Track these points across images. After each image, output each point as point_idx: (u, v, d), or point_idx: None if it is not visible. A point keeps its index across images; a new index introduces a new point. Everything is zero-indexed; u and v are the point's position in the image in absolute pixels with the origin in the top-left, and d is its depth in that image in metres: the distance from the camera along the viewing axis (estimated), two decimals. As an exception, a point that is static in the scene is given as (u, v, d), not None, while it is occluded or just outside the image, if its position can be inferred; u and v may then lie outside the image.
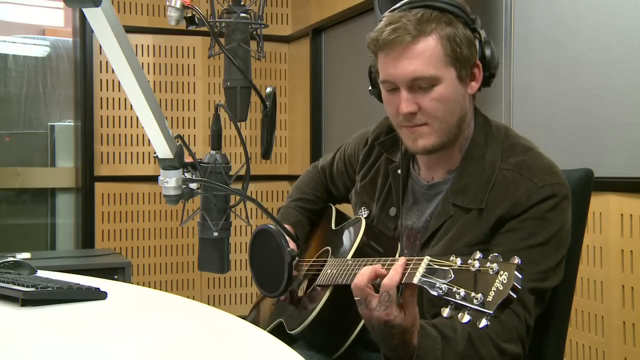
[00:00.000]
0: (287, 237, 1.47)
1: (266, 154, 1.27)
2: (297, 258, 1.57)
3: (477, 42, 1.39)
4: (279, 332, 1.50)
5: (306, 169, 1.91)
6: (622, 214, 2.10)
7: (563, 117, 2.33)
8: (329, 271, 1.47)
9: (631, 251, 2.07)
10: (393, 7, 1.40)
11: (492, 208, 1.35)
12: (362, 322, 1.40)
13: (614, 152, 2.14)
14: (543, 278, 1.33)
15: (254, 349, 1.10)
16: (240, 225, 4.10)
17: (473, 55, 1.38)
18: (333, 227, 1.69)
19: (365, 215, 1.57)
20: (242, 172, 1.22)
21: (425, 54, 1.34)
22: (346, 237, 1.56)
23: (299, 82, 4.22)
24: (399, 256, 1.43)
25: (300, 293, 1.58)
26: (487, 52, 1.40)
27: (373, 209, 1.56)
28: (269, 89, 1.27)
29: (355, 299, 1.22)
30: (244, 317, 1.36)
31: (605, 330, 2.16)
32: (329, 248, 1.60)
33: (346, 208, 1.77)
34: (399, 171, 1.52)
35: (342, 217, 1.71)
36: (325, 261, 1.54)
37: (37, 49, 4.38)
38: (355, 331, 1.40)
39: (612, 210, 2.13)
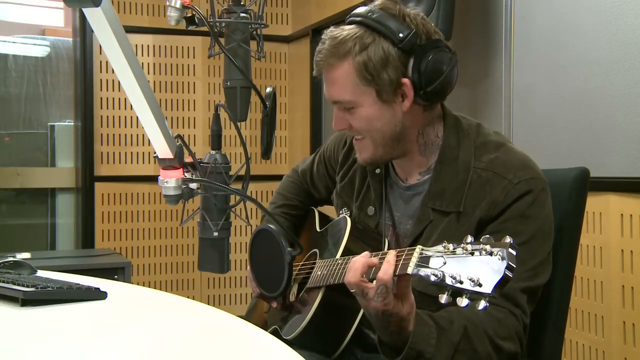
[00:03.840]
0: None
1: (266, 154, 1.26)
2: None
3: (411, 60, 1.34)
4: None
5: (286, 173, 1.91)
6: (622, 214, 2.10)
7: (563, 117, 2.33)
8: (319, 273, 1.47)
9: (631, 251, 2.07)
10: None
11: (471, 210, 1.35)
12: (357, 321, 1.40)
13: (614, 152, 2.14)
14: (533, 275, 1.33)
15: (254, 349, 1.11)
16: (240, 225, 4.10)
17: (395, 78, 1.35)
18: (318, 229, 1.69)
19: (348, 215, 1.58)
20: (242, 172, 1.22)
21: (339, 81, 1.38)
22: (333, 237, 1.56)
23: (299, 82, 4.22)
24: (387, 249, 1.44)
25: (292, 298, 1.58)
26: (422, 69, 1.34)
27: (353, 209, 1.57)
28: (269, 89, 1.26)
29: (351, 291, 1.22)
30: (243, 317, 1.36)
31: (605, 330, 2.16)
32: (316, 250, 1.60)
33: (328, 210, 1.76)
34: (377, 170, 1.52)
35: (325, 219, 1.71)
36: (314, 264, 1.54)
37: (37, 49, 4.38)
38: (351, 331, 1.40)
39: (612, 210, 2.13)
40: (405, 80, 1.35)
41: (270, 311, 1.65)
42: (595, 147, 2.20)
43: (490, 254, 1.02)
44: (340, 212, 1.60)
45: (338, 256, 1.44)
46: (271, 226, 1.50)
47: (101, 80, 3.97)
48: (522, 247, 1.31)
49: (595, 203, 2.14)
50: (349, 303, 1.36)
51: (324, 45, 1.39)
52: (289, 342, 1.46)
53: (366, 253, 1.24)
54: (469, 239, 1.06)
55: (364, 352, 1.50)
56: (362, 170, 1.57)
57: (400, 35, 1.33)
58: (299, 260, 1.66)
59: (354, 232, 1.49)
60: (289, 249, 1.45)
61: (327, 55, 1.38)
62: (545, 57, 2.41)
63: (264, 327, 1.64)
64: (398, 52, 1.34)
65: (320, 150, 1.77)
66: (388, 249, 1.47)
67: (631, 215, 2.07)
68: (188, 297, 1.50)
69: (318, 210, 1.77)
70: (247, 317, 1.83)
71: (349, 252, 1.44)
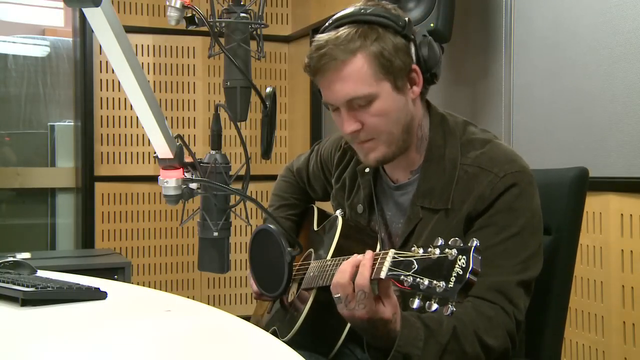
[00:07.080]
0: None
1: (266, 154, 1.27)
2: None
3: (412, 47, 1.37)
4: None
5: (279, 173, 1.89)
6: (622, 214, 2.10)
7: (563, 117, 2.33)
8: (311, 274, 1.47)
9: (631, 251, 2.07)
10: (323, 27, 1.40)
11: (459, 206, 1.36)
12: None
13: (614, 152, 2.14)
14: (525, 268, 1.32)
15: (254, 349, 1.11)
16: (240, 225, 4.10)
17: (407, 63, 1.36)
18: (315, 228, 1.69)
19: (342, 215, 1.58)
20: (242, 172, 1.22)
21: (354, 75, 1.34)
22: (326, 237, 1.56)
23: (299, 82, 4.22)
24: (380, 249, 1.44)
25: (290, 298, 1.58)
26: (424, 52, 1.37)
27: (345, 208, 1.58)
28: (269, 89, 1.26)
29: (335, 296, 1.22)
30: (244, 317, 1.36)
31: (605, 330, 2.16)
32: (311, 250, 1.60)
33: (328, 206, 1.76)
34: (367, 170, 1.52)
35: (323, 217, 1.71)
36: (309, 264, 1.54)
37: (37, 49, 4.38)
38: (344, 331, 1.40)
39: (612, 210, 2.13)
40: (415, 66, 1.37)
41: (272, 311, 1.65)
42: (595, 147, 2.20)
43: (456, 258, 1.02)
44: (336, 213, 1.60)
45: (329, 257, 1.44)
46: (271, 226, 1.50)
47: (101, 80, 3.97)
48: (512, 239, 1.32)
49: (595, 203, 2.14)
50: None
51: (324, 49, 1.34)
52: (286, 343, 1.46)
53: (355, 256, 1.23)
54: (439, 241, 1.07)
55: (364, 352, 1.50)
56: (352, 170, 1.57)
57: (400, 23, 1.36)
58: (297, 259, 1.66)
59: (345, 231, 1.49)
60: (289, 249, 1.45)
61: (332, 56, 1.34)
62: (545, 57, 2.41)
63: (265, 328, 1.64)
64: (402, 40, 1.36)
65: (315, 149, 1.76)
66: (381, 248, 1.47)
67: (631, 215, 2.07)
68: (188, 297, 1.50)
69: (317, 208, 1.77)
70: (253, 318, 1.83)
71: (340, 252, 1.44)
